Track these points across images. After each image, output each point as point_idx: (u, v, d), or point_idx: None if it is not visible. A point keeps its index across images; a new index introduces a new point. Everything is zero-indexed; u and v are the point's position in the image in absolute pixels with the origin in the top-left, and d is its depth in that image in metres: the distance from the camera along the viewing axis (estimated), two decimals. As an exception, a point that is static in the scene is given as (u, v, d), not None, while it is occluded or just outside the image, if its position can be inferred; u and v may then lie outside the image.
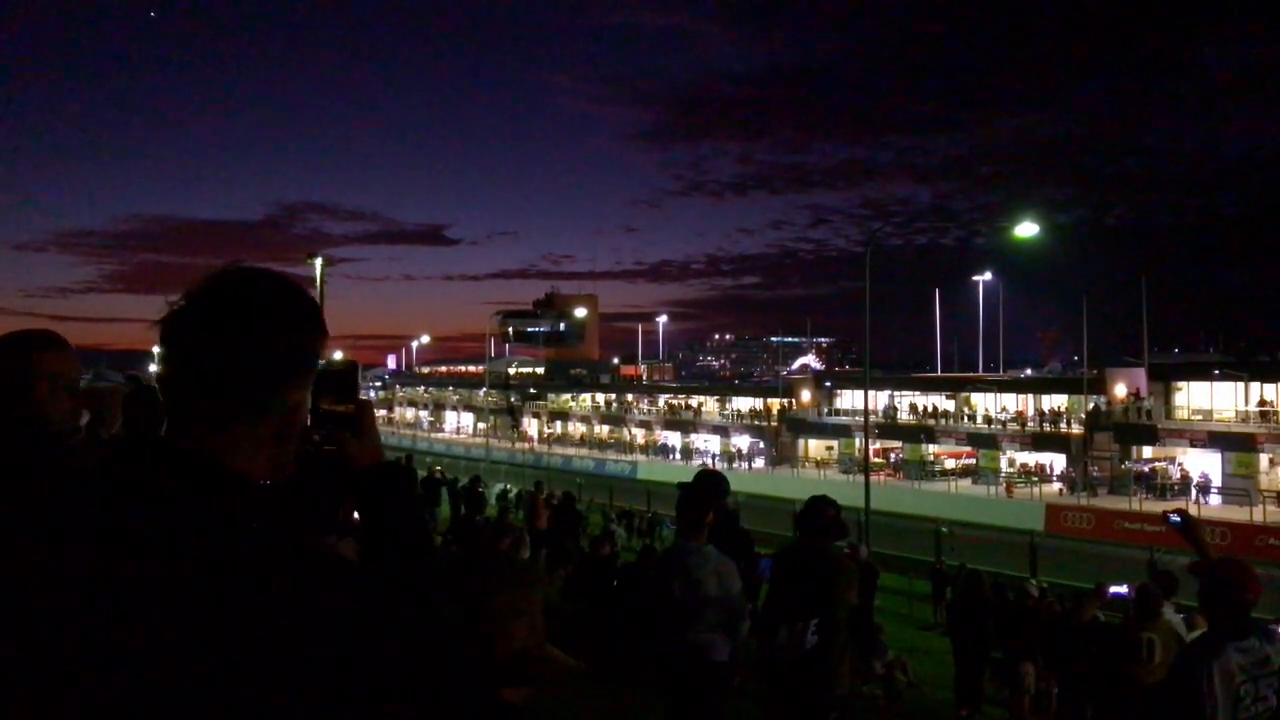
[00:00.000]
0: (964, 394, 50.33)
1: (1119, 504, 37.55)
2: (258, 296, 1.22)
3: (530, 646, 1.97)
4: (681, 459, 55.83)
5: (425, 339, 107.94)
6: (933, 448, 49.49)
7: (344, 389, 1.53)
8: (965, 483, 45.58)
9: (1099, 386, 44.30)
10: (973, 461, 47.73)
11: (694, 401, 65.15)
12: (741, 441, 58.17)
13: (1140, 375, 43.58)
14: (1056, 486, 43.38)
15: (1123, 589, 11.68)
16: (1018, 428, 46.21)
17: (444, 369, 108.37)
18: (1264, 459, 38.65)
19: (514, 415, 71.97)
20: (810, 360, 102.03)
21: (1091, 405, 43.63)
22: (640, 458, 59.55)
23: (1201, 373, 43.54)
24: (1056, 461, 45.05)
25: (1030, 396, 48.21)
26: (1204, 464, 40.29)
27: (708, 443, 59.50)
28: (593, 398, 73.68)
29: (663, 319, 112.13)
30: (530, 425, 73.02)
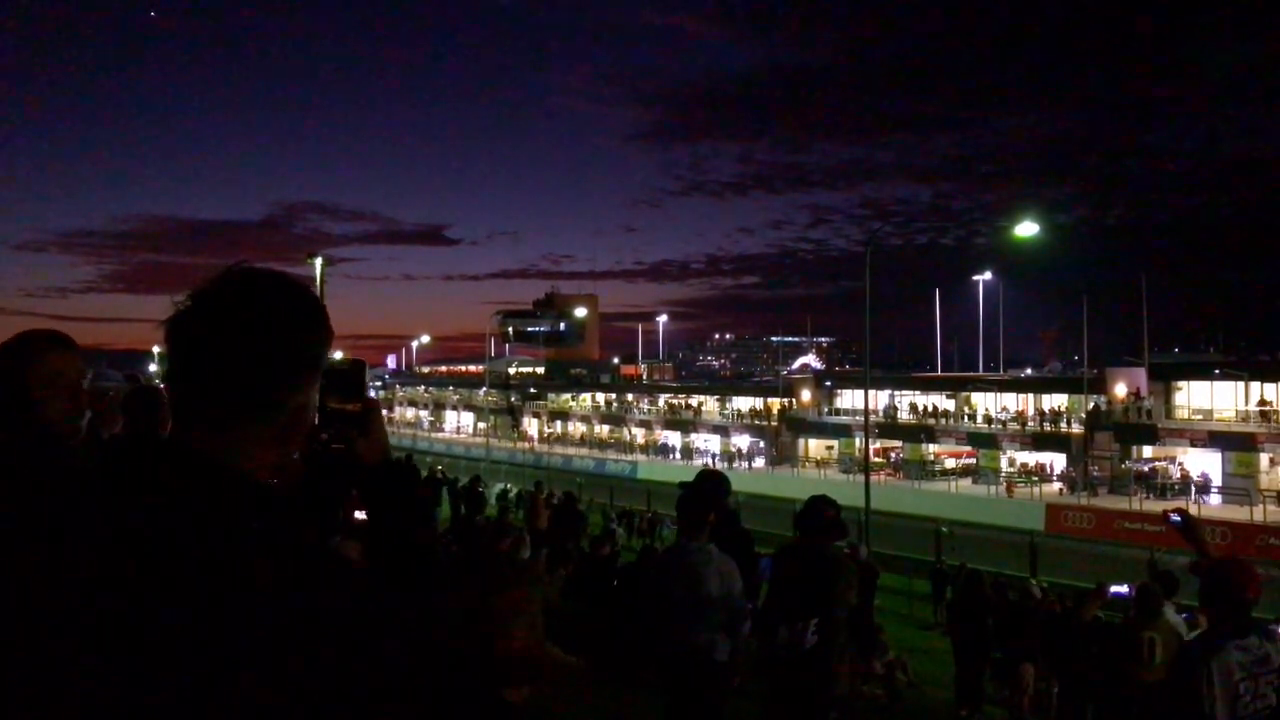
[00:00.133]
0: (964, 394, 50.33)
1: (1119, 504, 37.55)
2: (263, 297, 1.22)
3: (530, 646, 1.97)
4: (682, 459, 55.80)
5: (425, 339, 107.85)
6: (933, 447, 49.47)
7: (351, 387, 1.54)
8: (965, 482, 45.55)
9: (1099, 386, 44.32)
10: (973, 461, 47.68)
11: (694, 401, 65.09)
12: (742, 441, 58.14)
13: (1140, 375, 43.58)
14: (1057, 486, 43.37)
15: (1123, 589, 11.69)
16: (1018, 427, 46.19)
17: (444, 369, 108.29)
18: (1264, 458, 38.64)
19: (514, 415, 72.02)
20: (810, 360, 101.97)
21: (1091, 405, 43.64)
22: (640, 457, 59.50)
23: (1201, 372, 43.52)
24: (1057, 461, 45.04)
25: (1030, 396, 48.22)
26: (1204, 464, 40.31)
27: (708, 442, 59.46)
28: (593, 397, 73.62)
29: (663, 319, 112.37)
30: (530, 425, 73.00)
